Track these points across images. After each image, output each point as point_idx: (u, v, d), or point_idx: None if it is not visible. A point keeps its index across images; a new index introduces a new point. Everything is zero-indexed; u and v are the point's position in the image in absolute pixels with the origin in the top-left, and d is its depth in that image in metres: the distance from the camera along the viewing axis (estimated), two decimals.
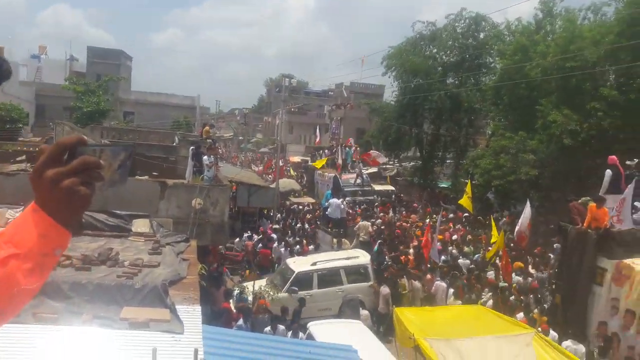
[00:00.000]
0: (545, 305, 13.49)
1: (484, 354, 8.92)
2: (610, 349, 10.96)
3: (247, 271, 17.70)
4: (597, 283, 12.37)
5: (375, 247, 18.30)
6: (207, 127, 22.45)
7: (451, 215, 25.90)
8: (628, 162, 13.49)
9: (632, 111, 18.10)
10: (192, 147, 15.71)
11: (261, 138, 75.22)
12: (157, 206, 12.99)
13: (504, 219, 24.11)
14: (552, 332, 11.72)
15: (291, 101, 57.10)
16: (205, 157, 14.97)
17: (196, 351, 5.69)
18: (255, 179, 27.86)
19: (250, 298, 13.54)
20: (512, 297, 13.77)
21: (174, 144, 21.96)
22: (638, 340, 11.05)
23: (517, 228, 17.89)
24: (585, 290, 12.62)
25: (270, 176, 36.00)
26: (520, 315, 12.44)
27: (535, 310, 12.88)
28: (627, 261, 11.88)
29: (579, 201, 13.59)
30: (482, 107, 31.75)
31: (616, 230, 12.60)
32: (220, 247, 17.10)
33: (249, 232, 21.57)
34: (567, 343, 11.41)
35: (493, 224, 17.42)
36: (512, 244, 17.59)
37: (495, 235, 16.47)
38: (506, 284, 14.46)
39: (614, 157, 13.30)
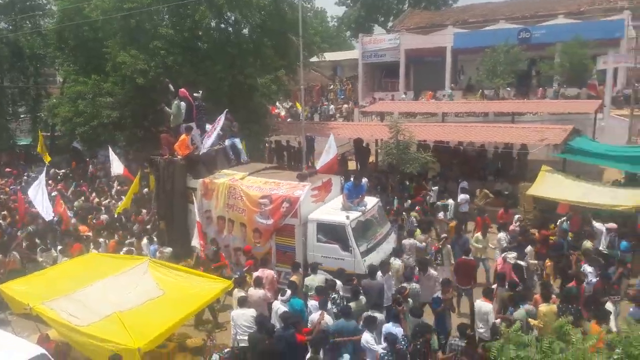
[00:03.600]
0: None
1: (106, 295, 9.13)
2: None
3: None
4: (191, 202, 14.05)
5: None
6: None
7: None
8: (195, 94, 15.22)
9: (188, 49, 20.33)
10: None
11: None
12: None
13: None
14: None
15: None
16: None
17: None
18: None
19: None
20: None
21: None
22: (230, 237, 13.41)
23: (113, 168, 18.22)
24: (182, 210, 14.16)
25: None
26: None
27: None
28: (210, 178, 13.90)
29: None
30: (47, 53, 29.36)
31: (198, 154, 14.36)
32: None
33: None
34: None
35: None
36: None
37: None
38: None
39: (183, 90, 14.78)
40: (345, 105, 37.66)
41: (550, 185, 14.89)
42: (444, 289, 10.11)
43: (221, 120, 14.49)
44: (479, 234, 13.38)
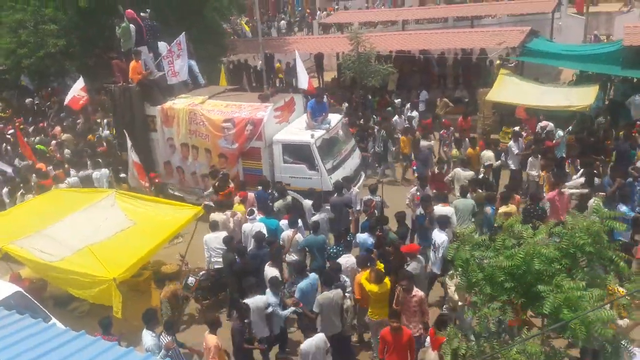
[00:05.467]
0: None
1: (76, 229, 9.20)
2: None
3: None
4: (152, 130, 13.82)
5: None
6: None
7: None
8: (142, 14, 14.48)
9: None
10: None
11: None
12: None
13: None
14: None
15: None
16: None
17: None
18: None
19: None
20: None
21: None
22: (196, 164, 13.39)
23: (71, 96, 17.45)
24: (144, 140, 13.93)
25: None
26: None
27: None
28: (169, 104, 13.59)
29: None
30: None
31: (153, 79, 13.89)
32: None
33: None
34: None
35: None
36: None
37: None
38: None
39: (130, 11, 14.02)
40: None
41: (509, 90, 15.13)
42: (424, 204, 9.99)
43: (182, 44, 13.88)
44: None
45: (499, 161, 12.90)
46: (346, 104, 18.58)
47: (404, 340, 6.86)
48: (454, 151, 13.80)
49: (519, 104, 14.59)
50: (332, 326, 7.76)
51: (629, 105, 15.06)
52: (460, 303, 7.99)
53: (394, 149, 14.90)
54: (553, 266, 5.50)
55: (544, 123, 13.74)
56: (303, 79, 14.35)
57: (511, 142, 13.03)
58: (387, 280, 7.86)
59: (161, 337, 7.43)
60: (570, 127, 13.42)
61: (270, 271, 8.61)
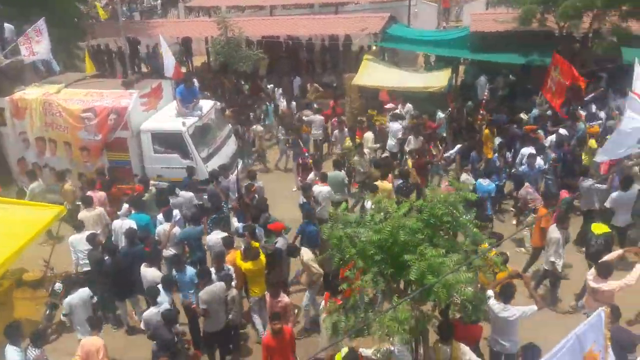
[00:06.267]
0: None
1: None
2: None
3: None
4: (1, 124, 12.47)
5: None
6: None
7: None
8: None
9: None
10: None
11: None
12: None
13: None
14: None
15: None
16: None
17: None
18: None
19: None
20: None
21: None
22: (54, 159, 12.33)
23: None
24: None
25: None
26: None
27: None
28: (19, 94, 12.33)
29: None
30: None
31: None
32: None
33: None
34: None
35: None
36: None
37: None
38: None
39: None
40: None
41: (372, 74, 15.94)
42: (304, 192, 10.36)
43: (43, 30, 12.54)
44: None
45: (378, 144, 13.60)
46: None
47: (287, 339, 6.97)
48: (347, 142, 13.72)
49: (382, 87, 15.45)
50: (218, 321, 7.67)
51: (477, 85, 16.67)
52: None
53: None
54: (417, 237, 5.97)
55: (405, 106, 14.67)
56: (169, 65, 13.82)
57: (391, 123, 13.69)
58: (262, 256, 8.04)
59: (28, 351, 6.85)
60: (449, 110, 14.39)
61: (150, 272, 8.30)
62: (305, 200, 10.08)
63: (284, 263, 8.95)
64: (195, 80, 13.91)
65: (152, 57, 22.21)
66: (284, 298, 7.62)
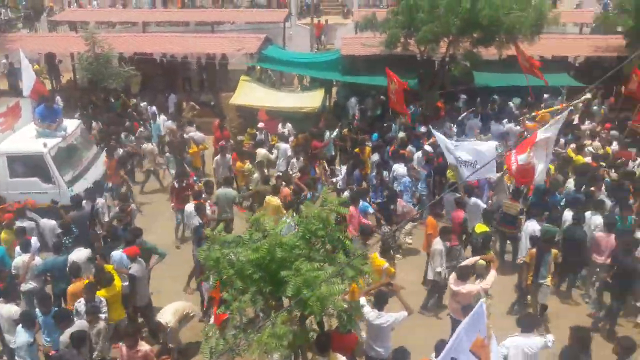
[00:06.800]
0: None
1: None
2: None
3: None
4: None
5: None
6: None
7: None
8: None
9: None
10: None
11: None
12: None
13: None
14: None
15: None
16: None
17: None
18: None
19: None
20: None
21: None
22: None
23: None
24: None
25: None
26: None
27: None
28: None
29: None
30: None
31: None
32: None
33: None
34: None
35: None
36: None
37: None
38: None
39: None
40: None
41: (250, 94, 16.10)
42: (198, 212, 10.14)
43: None
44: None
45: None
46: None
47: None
48: (247, 165, 13.18)
49: (259, 106, 15.66)
50: None
51: (348, 106, 17.48)
52: None
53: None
54: (294, 252, 6.11)
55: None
56: (27, 84, 12.71)
57: (280, 143, 13.91)
58: (117, 281, 7.78)
59: None
60: (337, 130, 14.65)
61: (6, 309, 7.53)
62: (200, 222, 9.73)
63: (142, 290, 8.50)
64: (59, 98, 12.93)
65: (9, 74, 20.36)
66: (142, 346, 7.01)
